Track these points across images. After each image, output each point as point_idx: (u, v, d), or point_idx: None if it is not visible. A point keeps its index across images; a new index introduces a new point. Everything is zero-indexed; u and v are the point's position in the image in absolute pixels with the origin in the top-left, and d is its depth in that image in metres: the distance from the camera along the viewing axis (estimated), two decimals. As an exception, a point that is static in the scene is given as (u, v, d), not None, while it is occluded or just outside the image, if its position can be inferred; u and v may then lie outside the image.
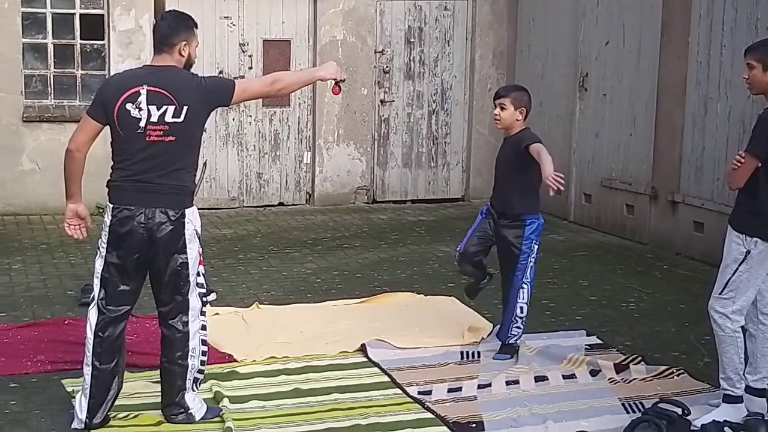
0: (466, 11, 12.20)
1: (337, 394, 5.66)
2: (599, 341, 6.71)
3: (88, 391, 5.07)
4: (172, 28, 5.04)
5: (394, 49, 11.99)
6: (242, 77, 10.83)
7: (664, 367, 6.10)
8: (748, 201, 5.16)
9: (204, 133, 5.21)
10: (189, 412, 5.19)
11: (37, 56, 10.84)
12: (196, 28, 5.15)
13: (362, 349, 6.41)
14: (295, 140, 11.77)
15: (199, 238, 5.11)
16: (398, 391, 5.76)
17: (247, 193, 11.63)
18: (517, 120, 6.22)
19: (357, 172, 11.94)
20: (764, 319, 5.31)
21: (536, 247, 6.24)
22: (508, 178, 6.26)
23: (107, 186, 5.05)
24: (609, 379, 5.98)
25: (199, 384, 5.29)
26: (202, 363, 5.24)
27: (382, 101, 12.00)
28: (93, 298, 5.08)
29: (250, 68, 11.37)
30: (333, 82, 5.43)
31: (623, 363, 6.16)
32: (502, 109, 6.22)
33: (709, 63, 9.06)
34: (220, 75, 10.78)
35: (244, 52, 11.38)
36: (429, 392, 5.72)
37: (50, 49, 10.82)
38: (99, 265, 5.04)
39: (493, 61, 12.27)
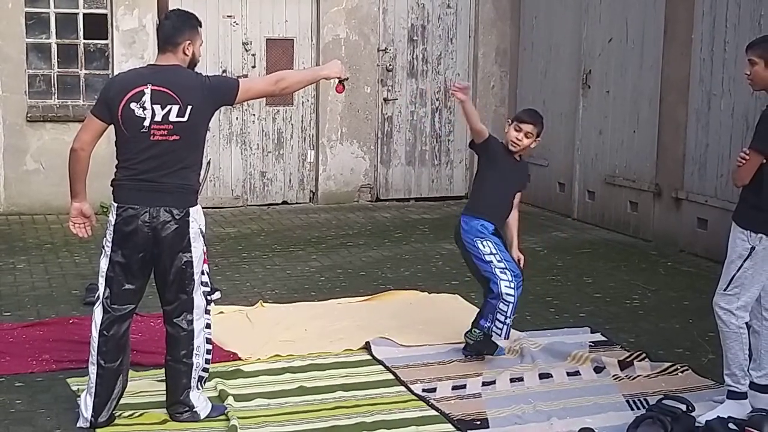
0: (468, 9, 12.19)
1: (342, 391, 5.67)
2: (603, 338, 6.72)
3: (93, 390, 5.08)
4: (176, 28, 5.05)
5: (397, 47, 11.99)
6: (245, 76, 10.84)
7: (668, 364, 6.11)
8: (752, 197, 5.16)
9: (208, 132, 5.22)
10: (194, 410, 5.20)
11: (41, 56, 10.85)
12: (200, 27, 5.16)
13: (366, 347, 6.42)
14: (298, 139, 11.78)
15: (203, 236, 5.12)
16: (403, 388, 5.77)
17: (250, 191, 11.64)
18: (531, 147, 6.28)
19: (360, 170, 11.95)
20: (768, 315, 5.32)
21: None
22: (509, 199, 6.25)
23: (111, 185, 5.06)
24: (613, 375, 5.99)
25: (204, 382, 5.30)
26: (207, 361, 5.25)
27: (385, 99, 12.01)
28: (98, 297, 5.09)
29: (254, 67, 11.38)
30: (337, 80, 5.44)
31: (627, 360, 6.17)
32: (527, 137, 6.11)
33: (712, 60, 9.06)
34: (224, 74, 10.79)
35: (247, 50, 11.39)
36: (433, 389, 5.73)
37: (54, 48, 10.84)
38: (104, 264, 5.05)
39: (496, 58, 12.27)
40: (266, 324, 6.88)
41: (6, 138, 10.65)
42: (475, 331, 6.13)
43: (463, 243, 6.12)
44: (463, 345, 6.34)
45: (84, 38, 10.90)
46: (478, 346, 6.22)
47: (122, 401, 5.20)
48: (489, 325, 6.05)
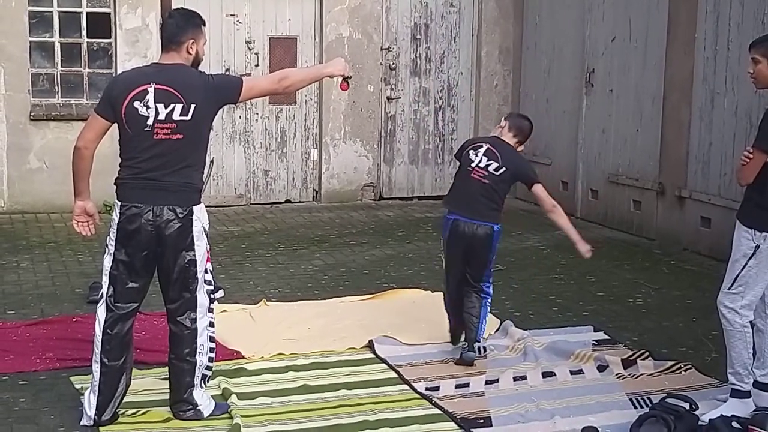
0: (472, 8, 12.19)
1: (345, 390, 5.67)
2: (606, 337, 6.72)
3: (96, 388, 5.09)
4: (179, 26, 5.05)
5: (400, 46, 11.99)
6: (249, 75, 10.84)
7: (671, 362, 6.11)
8: (756, 196, 5.16)
9: (211, 130, 5.22)
10: (197, 408, 5.21)
11: (44, 55, 10.86)
12: (204, 25, 5.16)
13: (370, 346, 6.42)
14: (301, 137, 11.78)
15: (206, 235, 5.13)
16: (406, 387, 5.77)
17: (254, 190, 11.64)
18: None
19: (363, 169, 11.95)
20: (772, 313, 5.32)
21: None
22: None
23: (115, 184, 5.07)
24: (616, 374, 5.99)
25: (207, 381, 5.31)
26: (210, 360, 5.25)
27: (388, 98, 12.01)
28: (101, 296, 5.09)
29: (257, 66, 11.39)
30: (341, 78, 5.43)
31: (631, 358, 6.16)
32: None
33: (715, 58, 9.05)
34: (227, 73, 10.79)
35: (250, 49, 11.39)
36: (437, 388, 5.74)
37: (57, 47, 10.84)
38: (108, 262, 5.05)
39: (500, 57, 12.27)
40: (269, 322, 6.89)
41: (9, 137, 10.66)
42: (476, 344, 6.15)
43: (490, 248, 6.15)
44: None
45: (87, 37, 10.90)
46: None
47: (126, 399, 5.21)
48: (483, 326, 6.18)
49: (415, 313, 7.15)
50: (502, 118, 6.48)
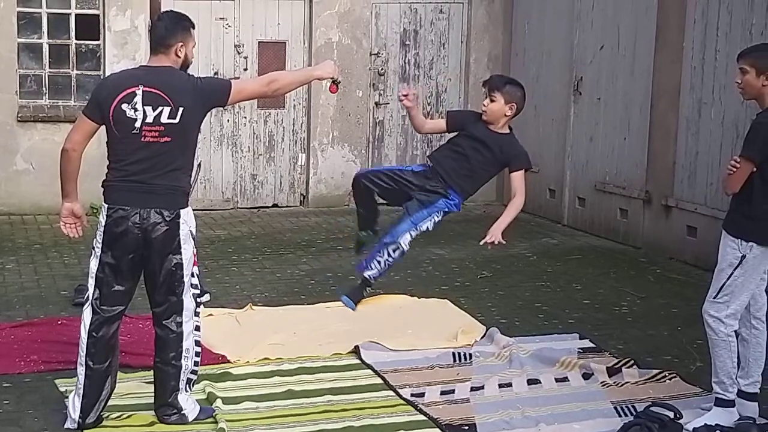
0: (461, 14, 12.21)
1: (330, 395, 5.67)
2: (592, 345, 6.72)
3: (81, 391, 5.07)
4: (168, 29, 5.04)
5: (389, 51, 12.00)
6: (237, 79, 10.83)
7: (656, 371, 6.12)
8: (742, 205, 5.17)
9: (199, 134, 5.21)
10: (182, 412, 5.20)
11: (32, 56, 10.83)
12: (193, 29, 5.15)
13: (355, 351, 6.42)
14: (289, 142, 11.78)
15: (193, 238, 5.12)
16: (391, 393, 5.77)
17: (241, 194, 11.63)
18: (506, 115, 6.03)
19: (351, 174, 11.85)
20: (757, 323, 5.33)
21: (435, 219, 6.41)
22: (470, 162, 6.11)
23: (102, 186, 5.06)
24: (601, 382, 6.00)
25: (193, 385, 5.30)
26: (196, 364, 5.25)
27: (376, 104, 12.02)
28: (87, 298, 5.08)
29: (245, 70, 11.38)
30: (330, 81, 5.43)
31: (616, 366, 6.17)
32: (492, 101, 5.99)
33: (703, 67, 9.08)
34: (216, 76, 10.78)
35: (239, 53, 11.38)
36: (422, 394, 5.73)
37: (45, 49, 10.82)
38: (94, 265, 5.04)
39: (488, 64, 12.28)
40: (255, 327, 6.87)
41: (-4, 138, 10.64)
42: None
43: None
44: (450, 350, 6.33)
45: (76, 39, 10.88)
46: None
47: (110, 403, 5.19)
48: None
49: (402, 319, 7.15)
50: (494, 91, 5.98)
